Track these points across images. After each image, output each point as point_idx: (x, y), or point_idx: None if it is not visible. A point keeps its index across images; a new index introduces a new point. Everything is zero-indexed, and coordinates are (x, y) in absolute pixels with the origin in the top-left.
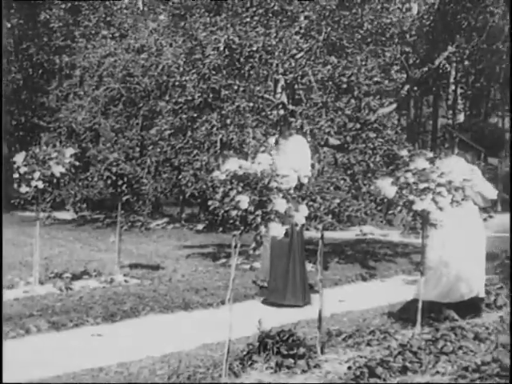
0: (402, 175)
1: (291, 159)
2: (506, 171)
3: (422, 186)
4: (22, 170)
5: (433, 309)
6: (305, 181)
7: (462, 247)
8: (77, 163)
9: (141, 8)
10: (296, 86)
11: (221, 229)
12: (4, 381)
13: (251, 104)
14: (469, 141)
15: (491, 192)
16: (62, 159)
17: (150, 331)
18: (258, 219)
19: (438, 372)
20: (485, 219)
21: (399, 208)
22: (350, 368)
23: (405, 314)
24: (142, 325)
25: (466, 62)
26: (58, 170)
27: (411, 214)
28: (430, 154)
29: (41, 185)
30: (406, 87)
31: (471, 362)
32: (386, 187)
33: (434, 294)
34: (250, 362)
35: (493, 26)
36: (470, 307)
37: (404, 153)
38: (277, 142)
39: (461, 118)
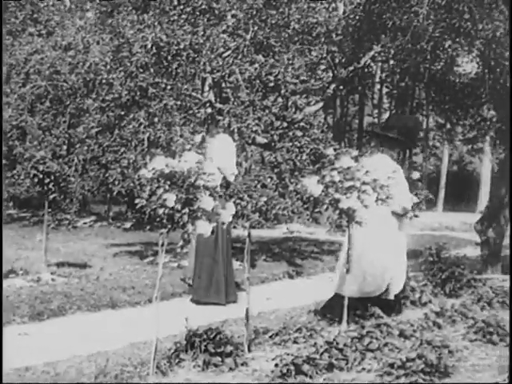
0: (328, 173)
1: (217, 157)
2: (430, 169)
3: (347, 184)
4: None
5: (356, 305)
6: (231, 179)
7: (380, 244)
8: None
9: (68, 5)
10: (223, 85)
11: (148, 227)
12: None
13: (179, 102)
14: (398, 137)
15: (407, 201)
16: None
17: (77, 330)
18: (185, 217)
19: (363, 369)
20: (410, 218)
21: (325, 206)
22: (276, 365)
23: (327, 311)
24: (69, 324)
25: (391, 62)
26: None
27: (337, 212)
28: (356, 153)
29: None
30: (332, 86)
31: (396, 359)
32: (312, 185)
33: (353, 290)
34: (177, 361)
35: (417, 25)
36: (393, 304)
37: (330, 151)
38: (203, 140)
39: (386, 116)
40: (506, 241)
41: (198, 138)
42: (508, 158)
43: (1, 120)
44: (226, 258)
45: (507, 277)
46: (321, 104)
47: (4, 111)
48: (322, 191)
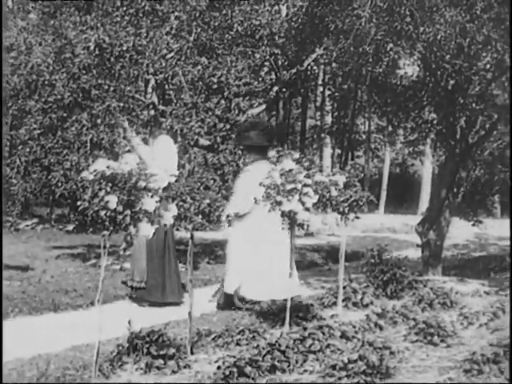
0: (270, 176)
1: (158, 159)
2: (372, 171)
3: (289, 186)
4: None
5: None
6: (172, 180)
7: (266, 246)
8: None
9: (10, 6)
10: (166, 87)
11: (90, 229)
12: None
13: (121, 104)
14: (258, 143)
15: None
16: None
17: (19, 333)
18: (127, 219)
19: (306, 370)
20: (352, 220)
21: (267, 208)
22: (219, 368)
23: (226, 306)
24: (11, 326)
25: (334, 64)
26: None
27: (279, 214)
28: (297, 155)
29: None
30: (275, 88)
31: (338, 361)
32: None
33: (239, 288)
34: (119, 363)
35: (359, 28)
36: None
37: (272, 153)
38: (146, 142)
39: (328, 119)
40: (447, 242)
41: (137, 140)
42: (449, 160)
43: (0, 120)
44: (174, 259)
45: (447, 278)
46: (264, 106)
47: None
48: (264, 193)
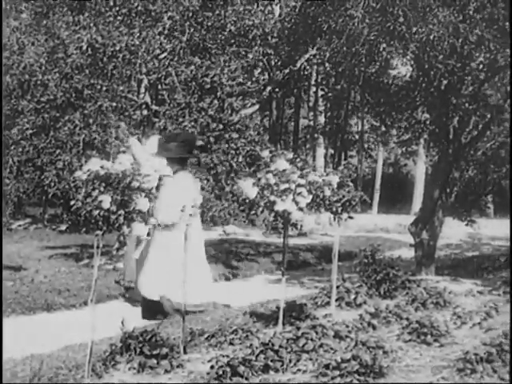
0: (264, 176)
1: (150, 159)
2: (365, 171)
3: (282, 186)
4: None
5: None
6: None
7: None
8: None
9: (2, 5)
10: (159, 87)
11: (83, 229)
12: None
13: (114, 104)
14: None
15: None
16: None
17: (12, 333)
18: (121, 219)
19: (299, 370)
20: (345, 219)
21: (261, 208)
22: (212, 367)
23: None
24: (4, 327)
25: (327, 65)
26: None
27: (273, 214)
28: (291, 155)
29: None
30: (268, 88)
31: (332, 360)
32: (248, 188)
33: (153, 290)
34: (112, 363)
35: (352, 29)
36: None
37: (265, 154)
38: (139, 142)
39: (321, 119)
40: (440, 242)
41: (132, 140)
42: (442, 160)
43: (0, 120)
44: None
45: (441, 278)
46: (257, 106)
47: None
48: (258, 193)
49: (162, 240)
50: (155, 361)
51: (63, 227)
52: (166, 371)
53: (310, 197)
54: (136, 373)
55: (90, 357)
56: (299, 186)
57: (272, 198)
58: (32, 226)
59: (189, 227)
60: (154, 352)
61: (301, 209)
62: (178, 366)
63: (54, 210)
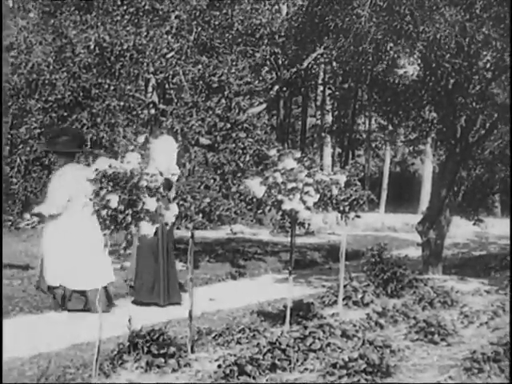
0: (271, 175)
1: (158, 158)
2: (373, 170)
3: (290, 185)
4: None
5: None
6: (173, 180)
7: (80, 240)
8: None
9: (10, 5)
10: (167, 86)
11: None
12: None
13: (122, 103)
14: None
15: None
16: None
17: (20, 332)
18: (129, 218)
19: (306, 369)
20: (352, 218)
21: (268, 207)
22: (219, 366)
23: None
24: (11, 325)
25: (334, 64)
26: None
27: (280, 213)
28: (298, 154)
29: None
30: (276, 87)
31: (339, 359)
32: (256, 187)
33: (57, 278)
34: (120, 362)
35: (359, 28)
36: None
37: (273, 152)
38: (147, 141)
39: (329, 118)
40: (447, 241)
41: (141, 139)
42: (449, 159)
43: (1, 120)
44: (168, 260)
45: (448, 277)
46: (264, 105)
47: None
48: (265, 192)
49: (53, 230)
50: (162, 360)
51: None
52: (174, 370)
53: (318, 196)
54: (143, 372)
55: (98, 356)
56: (307, 184)
57: (279, 196)
58: (39, 224)
59: (78, 216)
60: (162, 351)
61: (308, 208)
62: (185, 365)
63: None
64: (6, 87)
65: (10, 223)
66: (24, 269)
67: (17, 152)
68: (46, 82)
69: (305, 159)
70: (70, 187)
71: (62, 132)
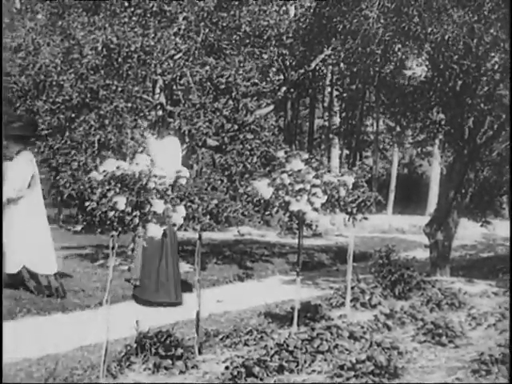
0: (278, 176)
1: (163, 160)
2: (380, 172)
3: (297, 186)
4: None
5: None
6: (183, 182)
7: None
8: None
9: (18, 6)
10: (174, 87)
11: (99, 230)
12: None
13: (129, 104)
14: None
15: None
16: None
17: (27, 333)
18: (136, 220)
19: (314, 371)
20: (360, 220)
21: (276, 209)
22: (227, 368)
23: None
24: (19, 327)
25: (342, 65)
26: None
27: (287, 214)
28: (306, 155)
29: None
30: (283, 89)
31: (346, 361)
32: (263, 188)
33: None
34: (127, 363)
35: (367, 29)
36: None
37: (280, 154)
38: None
39: (336, 119)
40: (455, 243)
41: (150, 141)
42: (457, 161)
43: (1, 120)
44: (173, 259)
45: (455, 279)
46: (272, 107)
47: None
48: (273, 194)
49: (10, 216)
50: (170, 361)
51: (78, 228)
52: (181, 372)
53: (325, 197)
54: (151, 373)
55: (105, 357)
56: (314, 186)
57: (287, 198)
58: None
59: (26, 201)
60: (169, 353)
61: (316, 209)
62: (192, 367)
63: (69, 210)
64: (13, 88)
65: None
66: None
67: None
68: (54, 83)
69: (312, 160)
70: (23, 174)
71: (17, 118)
